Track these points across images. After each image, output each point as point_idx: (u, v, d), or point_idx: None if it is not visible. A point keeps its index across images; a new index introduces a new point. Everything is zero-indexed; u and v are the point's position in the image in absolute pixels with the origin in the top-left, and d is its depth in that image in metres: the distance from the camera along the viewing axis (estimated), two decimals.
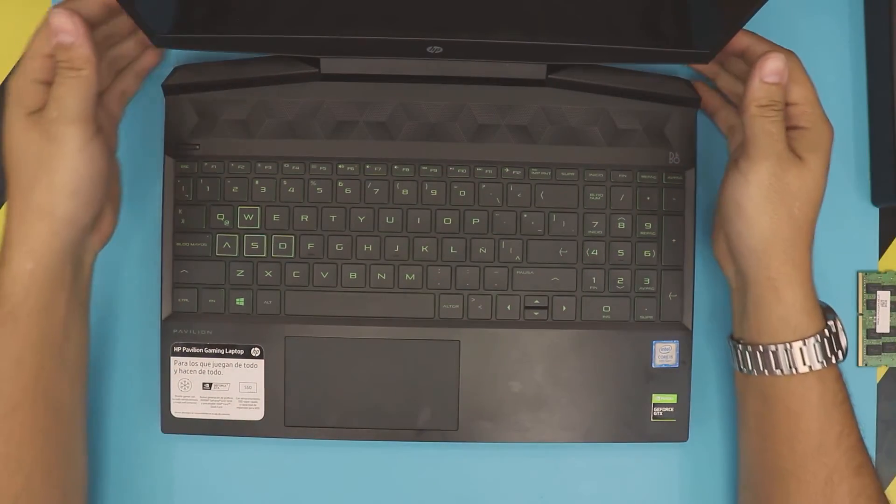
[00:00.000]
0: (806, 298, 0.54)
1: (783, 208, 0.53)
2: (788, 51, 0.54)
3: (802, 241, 0.54)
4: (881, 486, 0.55)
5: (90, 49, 0.50)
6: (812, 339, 0.53)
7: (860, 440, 0.55)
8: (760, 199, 0.53)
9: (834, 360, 0.54)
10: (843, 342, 0.55)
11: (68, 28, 0.49)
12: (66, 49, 0.50)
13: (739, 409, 0.59)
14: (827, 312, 0.55)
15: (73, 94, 0.50)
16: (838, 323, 0.55)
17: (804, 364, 0.53)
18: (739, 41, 0.56)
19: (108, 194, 0.55)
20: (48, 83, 0.51)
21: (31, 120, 0.51)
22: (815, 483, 0.53)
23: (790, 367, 0.54)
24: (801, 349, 0.53)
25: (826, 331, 0.54)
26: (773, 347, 0.54)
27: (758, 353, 0.55)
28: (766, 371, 0.54)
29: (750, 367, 0.55)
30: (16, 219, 0.51)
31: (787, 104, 0.54)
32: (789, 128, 0.54)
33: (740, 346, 0.56)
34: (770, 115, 0.52)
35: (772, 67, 0.52)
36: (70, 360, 0.55)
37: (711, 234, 0.60)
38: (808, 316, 0.54)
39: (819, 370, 0.54)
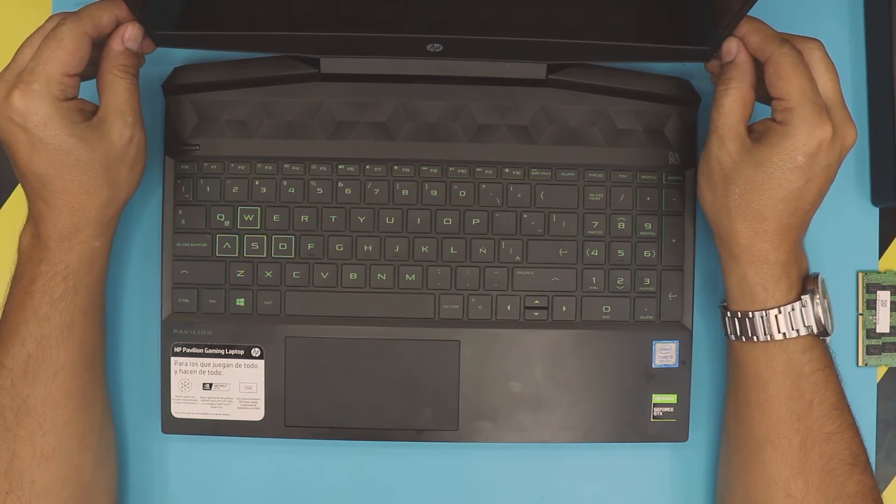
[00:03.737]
0: (758, 275, 0.54)
1: (721, 189, 0.54)
2: (791, 45, 0.53)
3: (746, 228, 0.54)
4: (861, 449, 0.55)
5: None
6: (772, 311, 0.54)
7: (836, 407, 0.55)
8: (705, 176, 0.55)
9: (799, 333, 0.54)
10: (820, 317, 0.54)
11: (140, 39, 0.54)
12: (132, 56, 0.54)
13: (727, 374, 0.60)
14: (807, 284, 0.55)
15: (137, 94, 0.55)
16: (816, 298, 0.55)
17: (764, 333, 0.55)
18: (750, 40, 0.55)
19: None
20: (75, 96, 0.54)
21: (97, 127, 0.53)
22: (791, 448, 0.55)
23: (752, 334, 0.55)
24: (761, 318, 0.55)
25: (794, 304, 0.54)
26: (738, 314, 0.56)
27: (726, 317, 0.57)
28: (732, 336, 0.56)
29: (725, 331, 0.57)
30: (87, 211, 0.54)
31: (772, 98, 0.54)
32: (772, 117, 0.54)
33: (721, 307, 0.58)
34: (719, 96, 0.54)
35: (725, 49, 0.55)
36: (103, 322, 0.59)
37: None
38: (763, 289, 0.55)
39: (780, 340, 0.54)
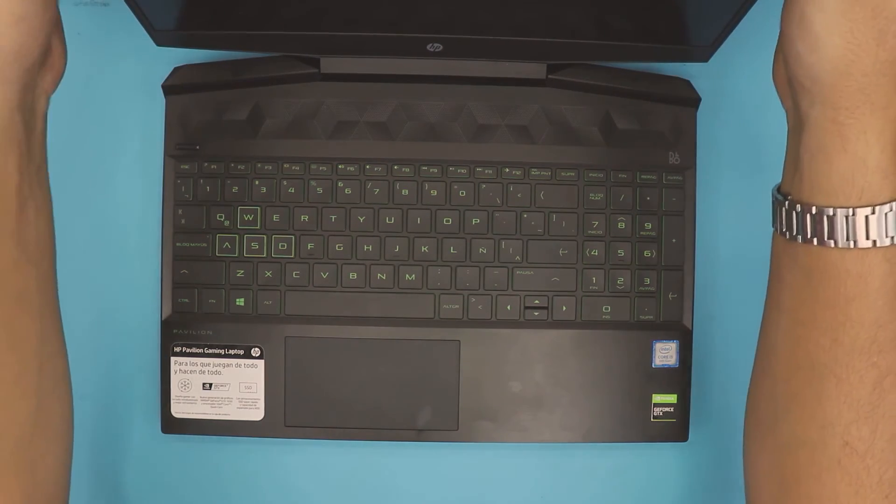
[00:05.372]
0: (883, 154, 0.42)
1: (869, 30, 0.40)
2: None
3: (892, 80, 0.41)
4: None
5: None
6: (884, 207, 0.42)
7: None
8: (837, 13, 0.40)
9: None
10: None
11: None
12: None
13: (772, 279, 0.48)
14: None
15: None
16: None
17: (867, 238, 0.42)
18: None
19: (54, 16, 0.45)
20: None
21: None
22: (861, 386, 0.44)
23: (848, 238, 0.43)
24: (866, 217, 0.42)
25: None
26: (829, 211, 0.43)
27: (808, 214, 0.43)
28: (814, 239, 0.43)
29: (795, 232, 0.44)
30: None
31: None
32: None
33: (787, 202, 0.45)
34: None
35: None
36: (32, 242, 0.45)
37: (774, 53, 0.47)
38: (882, 176, 0.42)
39: (887, 247, 0.43)
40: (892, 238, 0.42)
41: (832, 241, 0.43)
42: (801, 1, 0.41)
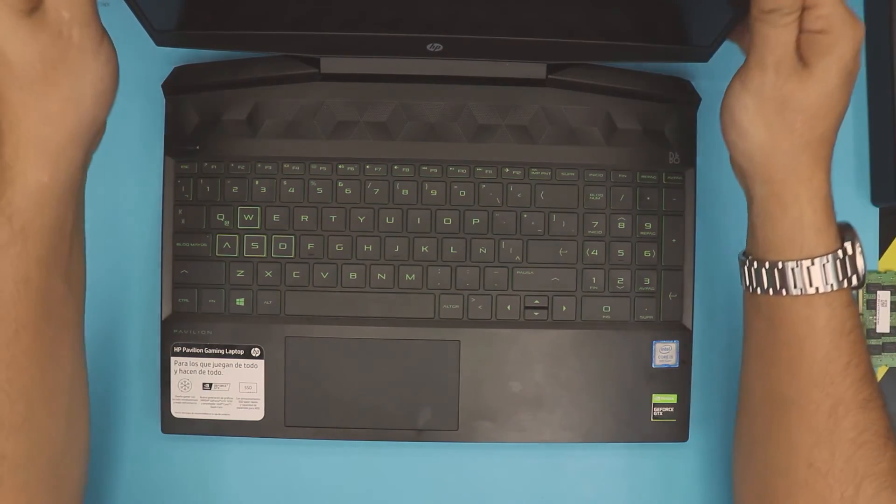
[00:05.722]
0: (815, 215, 0.50)
1: (781, 122, 0.49)
2: None
3: (810, 158, 0.50)
4: (889, 421, 0.52)
5: None
6: (822, 259, 0.50)
7: (869, 372, 0.51)
8: (754, 111, 0.50)
9: (846, 285, 0.51)
10: (860, 266, 0.51)
11: None
12: None
13: (744, 328, 0.56)
14: (845, 232, 0.52)
15: None
16: (857, 245, 0.51)
17: (811, 285, 0.50)
18: None
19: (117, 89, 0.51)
20: None
21: (34, 22, 0.45)
22: (818, 414, 0.51)
23: (796, 286, 0.50)
24: (808, 268, 0.50)
25: (840, 251, 0.50)
26: (779, 264, 0.51)
27: (763, 269, 0.52)
28: (770, 290, 0.51)
29: (756, 285, 0.52)
30: (24, 130, 0.46)
31: (804, 7, 0.48)
32: (806, 31, 0.49)
33: (748, 261, 0.53)
34: (772, 21, 0.47)
35: None
36: (74, 277, 0.51)
37: None
38: (817, 234, 0.50)
39: (827, 293, 0.50)
40: (832, 285, 0.50)
41: (784, 290, 0.51)
42: (730, 102, 0.51)
